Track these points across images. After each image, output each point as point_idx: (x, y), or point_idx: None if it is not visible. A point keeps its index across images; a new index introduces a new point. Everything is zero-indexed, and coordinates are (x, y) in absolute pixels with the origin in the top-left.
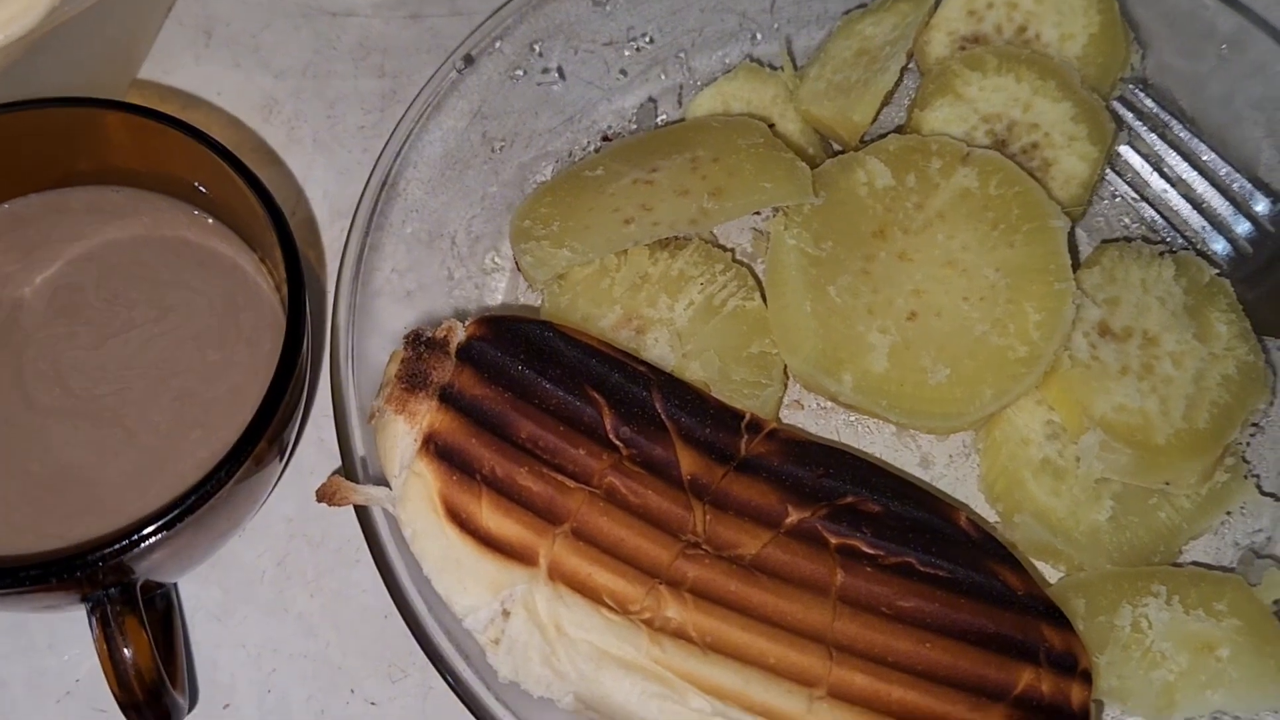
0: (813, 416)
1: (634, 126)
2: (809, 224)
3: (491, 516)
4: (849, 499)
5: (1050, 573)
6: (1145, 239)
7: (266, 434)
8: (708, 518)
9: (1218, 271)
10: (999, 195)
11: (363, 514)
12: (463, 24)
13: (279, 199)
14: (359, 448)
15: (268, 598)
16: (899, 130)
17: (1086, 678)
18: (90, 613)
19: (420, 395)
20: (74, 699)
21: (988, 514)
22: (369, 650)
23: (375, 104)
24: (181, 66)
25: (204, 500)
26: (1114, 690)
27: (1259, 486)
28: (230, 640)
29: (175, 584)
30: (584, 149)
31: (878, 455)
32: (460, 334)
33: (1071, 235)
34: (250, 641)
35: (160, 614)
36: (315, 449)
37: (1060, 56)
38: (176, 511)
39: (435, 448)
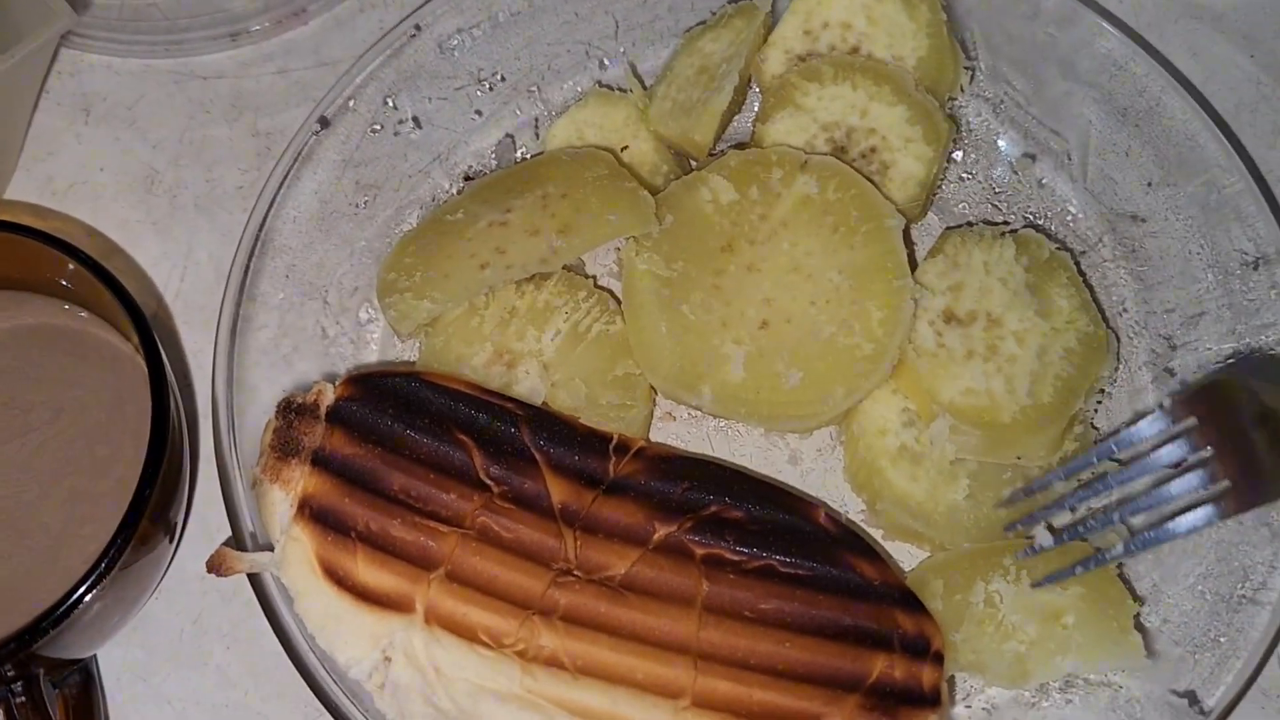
0: (685, 426)
1: (495, 163)
2: (659, 247)
3: (367, 571)
4: (713, 509)
5: (917, 554)
6: (987, 221)
7: (143, 521)
8: (579, 544)
9: (1057, 246)
10: (837, 199)
11: (254, 578)
12: (328, 73)
13: (167, 268)
14: (245, 517)
15: (187, 653)
16: (742, 146)
17: (939, 659)
18: None
19: (293, 462)
20: None
21: (855, 503)
22: (285, 693)
23: (252, 163)
24: (64, 147)
25: (89, 592)
26: (972, 664)
27: None
28: (155, 697)
29: (94, 654)
30: (447, 192)
31: (749, 455)
32: (330, 396)
33: (908, 231)
34: (174, 697)
35: (78, 687)
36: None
37: None
38: (63, 608)
39: (310, 511)
